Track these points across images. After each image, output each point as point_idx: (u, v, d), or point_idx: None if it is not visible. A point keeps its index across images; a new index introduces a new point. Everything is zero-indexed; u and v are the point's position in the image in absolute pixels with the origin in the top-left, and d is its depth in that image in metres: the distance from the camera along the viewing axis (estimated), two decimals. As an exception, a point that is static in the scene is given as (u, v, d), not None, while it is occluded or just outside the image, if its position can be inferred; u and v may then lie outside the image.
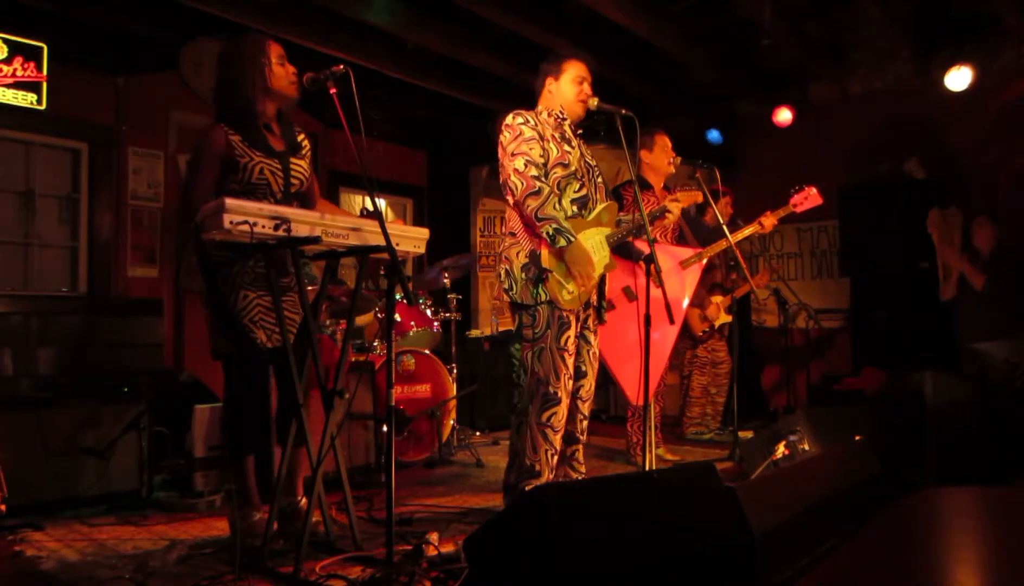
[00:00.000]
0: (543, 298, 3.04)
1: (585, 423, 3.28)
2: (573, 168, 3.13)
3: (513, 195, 3.06)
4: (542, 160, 3.08)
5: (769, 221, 4.14)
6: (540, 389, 3.06)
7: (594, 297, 3.22)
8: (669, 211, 3.50)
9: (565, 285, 3.04)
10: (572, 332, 3.10)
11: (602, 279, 3.25)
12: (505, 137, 3.12)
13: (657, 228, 4.33)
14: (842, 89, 6.34)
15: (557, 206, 3.05)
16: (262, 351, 2.69)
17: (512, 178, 3.06)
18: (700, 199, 3.69)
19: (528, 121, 3.12)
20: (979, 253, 4.89)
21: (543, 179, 3.03)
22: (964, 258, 4.67)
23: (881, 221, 5.74)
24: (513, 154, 3.06)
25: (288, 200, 2.77)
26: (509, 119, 3.15)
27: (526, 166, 3.03)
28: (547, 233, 3.00)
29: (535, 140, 3.08)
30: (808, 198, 4.06)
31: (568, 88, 3.21)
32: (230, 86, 2.72)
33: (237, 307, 2.66)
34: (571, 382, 3.14)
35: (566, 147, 3.14)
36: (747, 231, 4.16)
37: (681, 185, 5.21)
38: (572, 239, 3.00)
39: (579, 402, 3.23)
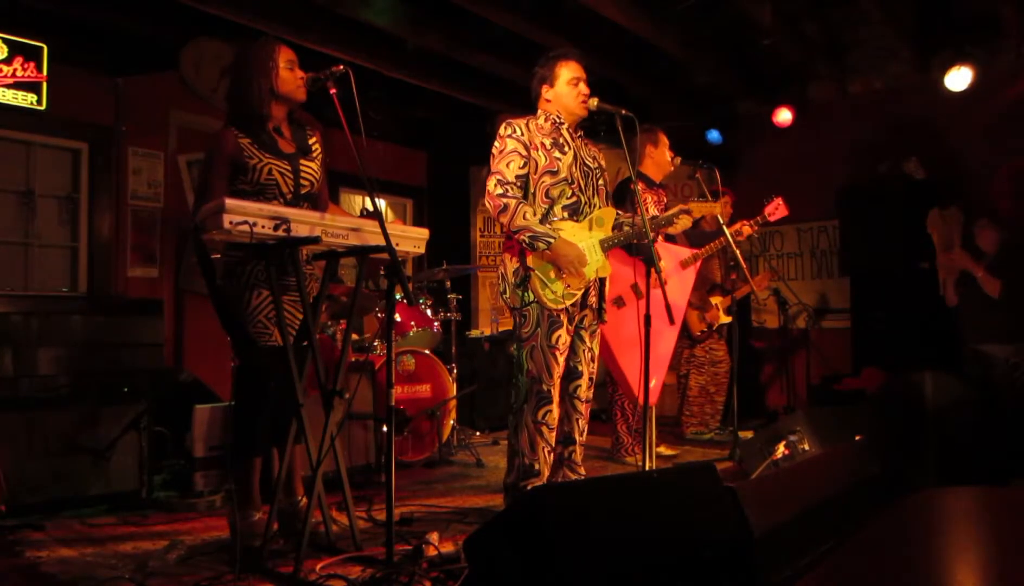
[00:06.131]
0: (531, 299, 3.07)
1: (583, 423, 3.26)
2: (563, 175, 3.10)
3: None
4: (523, 171, 3.09)
5: (746, 230, 4.35)
6: (534, 387, 3.07)
7: (592, 298, 3.20)
8: (676, 221, 3.49)
9: (549, 285, 3.05)
10: (564, 331, 3.10)
11: (601, 282, 3.23)
12: (493, 150, 3.15)
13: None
14: (842, 89, 6.35)
15: (535, 213, 3.05)
16: (273, 349, 2.69)
17: (486, 200, 3.14)
18: (718, 211, 3.83)
19: (515, 131, 3.12)
20: (983, 255, 4.84)
21: (508, 194, 3.06)
22: (980, 265, 4.60)
23: (881, 221, 5.73)
24: (492, 173, 3.12)
25: (298, 201, 2.77)
26: (500, 130, 3.15)
27: (495, 186, 3.08)
28: (524, 243, 3.04)
29: (516, 152, 3.09)
30: (778, 208, 4.28)
31: (566, 91, 3.16)
32: (238, 90, 2.75)
33: (252, 305, 2.68)
34: (563, 381, 3.14)
35: (556, 154, 3.12)
36: (727, 236, 4.17)
37: (681, 184, 5.21)
38: (552, 239, 3.00)
39: (576, 402, 3.23)
